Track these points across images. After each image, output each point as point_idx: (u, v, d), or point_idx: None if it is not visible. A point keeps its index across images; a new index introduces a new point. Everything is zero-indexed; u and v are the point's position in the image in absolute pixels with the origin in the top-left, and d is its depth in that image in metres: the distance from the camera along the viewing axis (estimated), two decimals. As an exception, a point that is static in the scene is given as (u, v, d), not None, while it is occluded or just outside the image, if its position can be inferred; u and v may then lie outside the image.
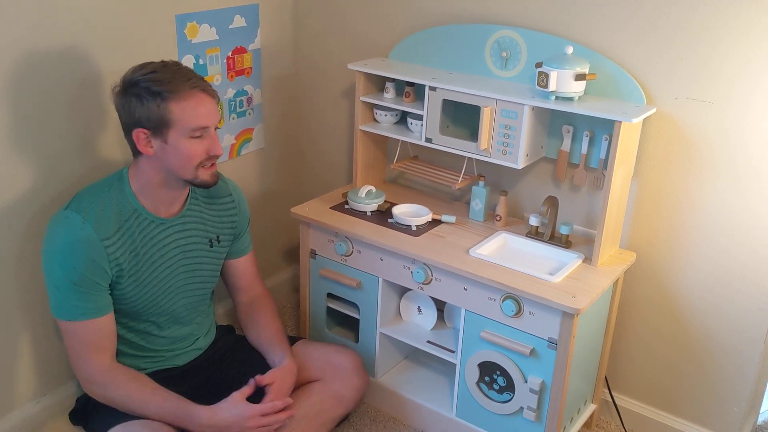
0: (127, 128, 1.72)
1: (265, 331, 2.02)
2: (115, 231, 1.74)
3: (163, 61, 1.73)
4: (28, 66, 1.83)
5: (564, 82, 1.88)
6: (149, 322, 1.88)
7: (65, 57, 1.91)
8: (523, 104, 1.94)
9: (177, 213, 1.86)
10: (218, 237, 1.96)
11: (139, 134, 1.69)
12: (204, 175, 1.76)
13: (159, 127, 1.67)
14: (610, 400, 2.24)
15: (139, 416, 1.74)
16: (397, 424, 2.25)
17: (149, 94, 1.65)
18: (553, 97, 1.92)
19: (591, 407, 2.20)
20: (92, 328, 1.74)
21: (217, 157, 1.77)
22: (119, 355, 1.85)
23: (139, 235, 1.78)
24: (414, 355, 2.41)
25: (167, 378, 1.89)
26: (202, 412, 1.74)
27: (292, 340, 2.10)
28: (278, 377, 1.86)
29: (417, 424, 2.23)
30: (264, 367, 1.95)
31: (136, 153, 1.75)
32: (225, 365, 2.03)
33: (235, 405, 1.75)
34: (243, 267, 2.08)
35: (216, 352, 2.05)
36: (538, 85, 1.91)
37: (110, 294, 1.77)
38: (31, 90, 1.86)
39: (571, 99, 1.92)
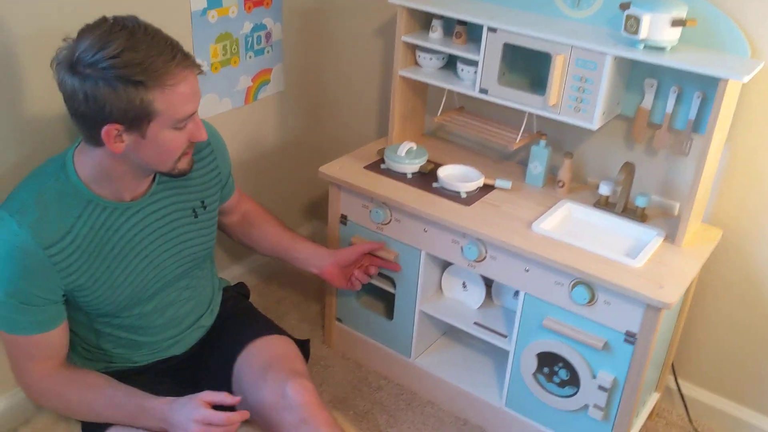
0: (90, 121, 1.33)
1: (274, 235, 1.87)
2: (65, 234, 1.39)
3: (125, 27, 1.29)
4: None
5: (658, 28, 1.56)
6: (135, 315, 1.57)
7: None
8: (605, 53, 1.62)
9: (145, 192, 1.51)
10: (203, 202, 1.62)
11: (111, 131, 1.32)
12: (183, 164, 1.44)
13: (137, 121, 1.32)
14: (675, 387, 2.01)
15: (94, 423, 1.49)
16: (435, 409, 2.02)
17: (127, 83, 1.27)
18: (642, 46, 1.60)
19: (654, 396, 1.97)
20: (34, 343, 1.44)
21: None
22: (113, 348, 1.59)
23: (100, 229, 1.44)
24: (452, 332, 2.16)
25: (168, 368, 1.65)
26: (157, 406, 1.44)
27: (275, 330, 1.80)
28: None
29: (457, 411, 2.00)
30: (268, 330, 1.70)
31: (93, 143, 1.38)
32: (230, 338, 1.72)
33: (188, 402, 1.43)
34: (231, 202, 1.81)
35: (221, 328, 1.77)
36: (626, 30, 1.59)
37: (75, 300, 1.46)
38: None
39: (662, 49, 1.60)
